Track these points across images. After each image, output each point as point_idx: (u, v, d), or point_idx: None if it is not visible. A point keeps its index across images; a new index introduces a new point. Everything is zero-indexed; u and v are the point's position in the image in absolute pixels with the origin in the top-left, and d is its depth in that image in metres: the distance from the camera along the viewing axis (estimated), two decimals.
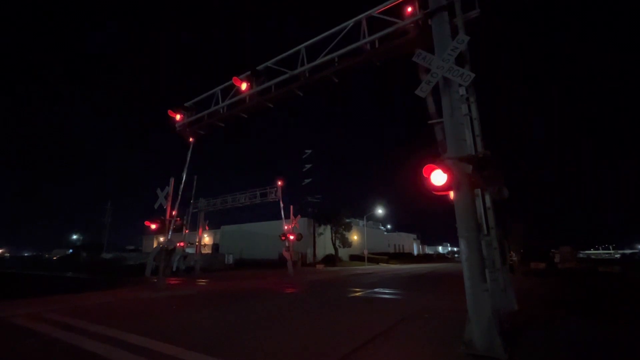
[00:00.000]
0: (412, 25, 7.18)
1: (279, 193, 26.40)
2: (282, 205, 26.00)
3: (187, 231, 28.06)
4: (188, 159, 14.69)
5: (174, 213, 14.67)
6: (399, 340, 5.57)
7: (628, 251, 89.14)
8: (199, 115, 12.10)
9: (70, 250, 69.53)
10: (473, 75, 5.31)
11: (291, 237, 24.40)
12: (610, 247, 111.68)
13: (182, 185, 14.98)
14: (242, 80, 10.27)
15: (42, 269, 35.67)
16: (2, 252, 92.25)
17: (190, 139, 14.73)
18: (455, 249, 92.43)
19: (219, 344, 5.28)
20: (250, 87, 10.25)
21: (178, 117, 12.46)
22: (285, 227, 24.25)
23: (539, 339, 5.53)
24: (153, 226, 14.63)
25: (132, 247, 69.85)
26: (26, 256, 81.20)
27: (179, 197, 15.08)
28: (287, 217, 25.45)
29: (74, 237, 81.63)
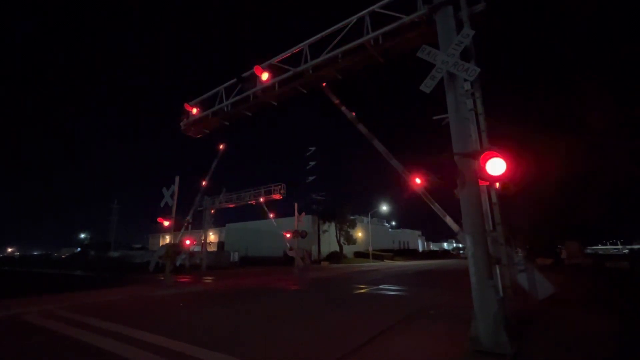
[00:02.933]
0: (416, 20, 7.11)
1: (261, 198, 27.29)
2: (272, 216, 27.33)
3: (204, 241, 28.71)
4: (214, 166, 14.98)
5: (188, 218, 15.02)
6: (405, 336, 5.57)
7: (637, 246, 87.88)
8: (204, 114, 12.11)
9: (78, 249, 70.58)
10: (478, 70, 5.25)
11: (289, 235, 24.55)
12: (619, 243, 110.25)
13: (200, 194, 15.37)
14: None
15: (51, 267, 36.20)
16: (12, 251, 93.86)
17: (221, 146, 15.29)
18: (460, 246, 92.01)
19: (228, 341, 5.33)
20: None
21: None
22: (287, 236, 24.94)
23: (545, 334, 5.51)
24: (166, 223, 14.82)
25: (138, 245, 70.61)
26: (35, 255, 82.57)
27: (197, 201, 15.52)
28: (282, 219, 26.29)
29: (82, 235, 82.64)
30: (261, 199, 27.56)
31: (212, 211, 29.12)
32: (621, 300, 9.08)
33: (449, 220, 7.09)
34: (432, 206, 7.24)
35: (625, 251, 76.50)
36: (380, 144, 7.95)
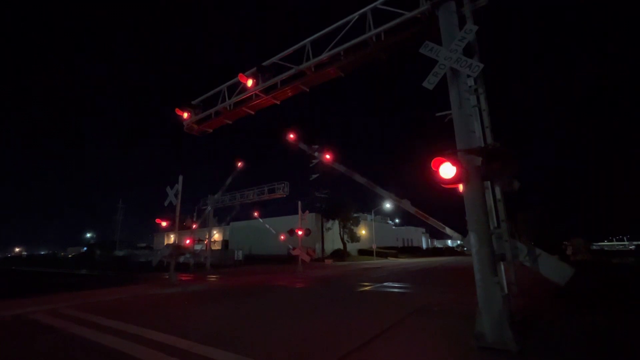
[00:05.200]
0: (418, 16, 7.07)
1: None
2: (268, 227, 27.66)
3: (208, 240, 28.95)
4: (228, 182, 15.35)
5: (194, 226, 15.28)
6: (410, 334, 5.58)
7: None
8: (206, 113, 12.14)
9: (84, 248, 71.35)
10: (482, 65, 5.21)
11: (299, 233, 24.59)
12: (625, 238, 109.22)
13: (209, 208, 15.78)
14: (247, 77, 10.13)
15: (58, 266, 36.64)
16: (19, 251, 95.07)
17: (240, 164, 16.08)
18: None
19: (230, 339, 5.36)
20: (256, 84, 10.17)
21: (185, 115, 12.44)
22: (283, 237, 25.38)
23: (550, 330, 5.48)
24: (164, 224, 14.96)
25: (143, 244, 71.17)
26: (42, 254, 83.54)
27: (210, 211, 16.07)
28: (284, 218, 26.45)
29: (88, 235, 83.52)
30: (255, 213, 27.93)
31: (222, 221, 29.62)
32: (628, 297, 9.01)
33: (449, 230, 7.14)
34: (428, 221, 7.27)
35: (632, 247, 75.77)
36: (362, 177, 8.11)
